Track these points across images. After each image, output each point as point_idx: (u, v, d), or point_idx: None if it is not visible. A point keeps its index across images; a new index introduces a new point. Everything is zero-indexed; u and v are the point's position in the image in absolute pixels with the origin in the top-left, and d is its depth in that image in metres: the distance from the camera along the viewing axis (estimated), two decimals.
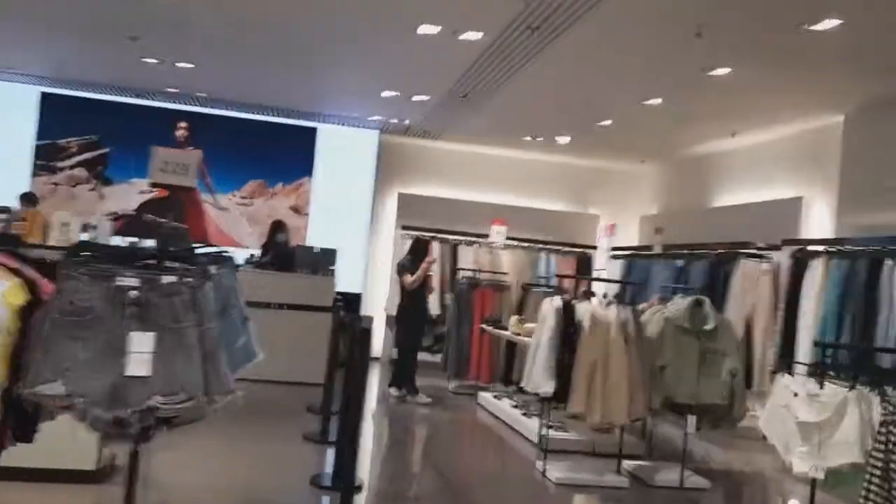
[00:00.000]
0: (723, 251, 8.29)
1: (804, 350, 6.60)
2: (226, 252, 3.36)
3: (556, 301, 5.60)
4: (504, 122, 9.66)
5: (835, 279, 6.40)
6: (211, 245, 4.16)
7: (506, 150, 11.30)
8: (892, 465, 2.99)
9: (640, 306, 5.87)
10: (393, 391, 8.24)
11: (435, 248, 10.71)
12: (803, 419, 3.45)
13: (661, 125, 8.79)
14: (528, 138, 10.35)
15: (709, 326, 5.41)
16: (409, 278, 8.13)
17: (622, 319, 5.39)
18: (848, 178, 7.25)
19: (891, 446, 3.02)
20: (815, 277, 6.67)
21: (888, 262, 5.89)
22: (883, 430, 3.06)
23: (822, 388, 3.48)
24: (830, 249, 6.59)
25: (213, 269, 2.77)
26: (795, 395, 3.57)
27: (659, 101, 7.65)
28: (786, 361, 6.77)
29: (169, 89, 9.84)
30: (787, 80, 6.67)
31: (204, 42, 7.55)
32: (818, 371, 3.62)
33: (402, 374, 8.29)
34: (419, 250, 8.49)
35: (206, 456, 5.24)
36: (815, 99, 7.20)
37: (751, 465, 6.66)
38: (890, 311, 5.79)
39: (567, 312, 5.49)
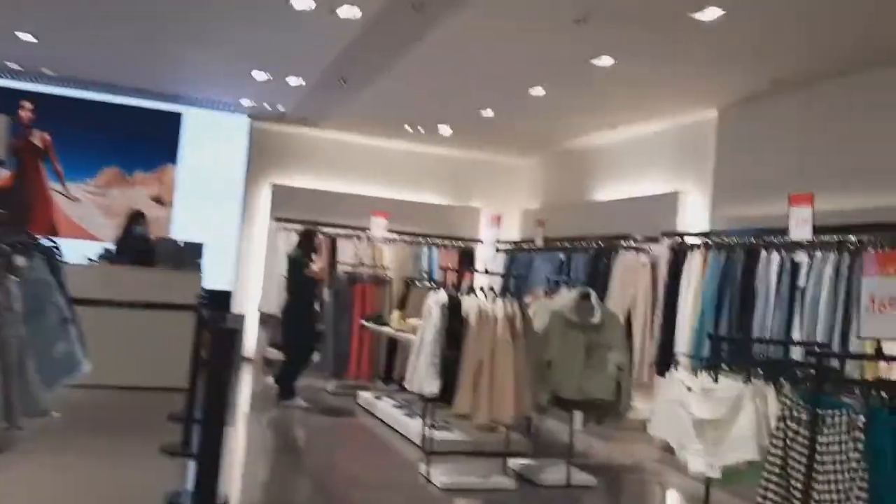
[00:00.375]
0: (603, 244, 8.31)
1: (684, 342, 6.64)
2: (46, 241, 2.79)
3: (442, 296, 5.31)
4: (385, 111, 9.29)
5: (713, 271, 6.46)
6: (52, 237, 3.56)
7: (387, 140, 10.93)
8: (791, 462, 2.87)
9: (528, 299, 5.68)
10: (297, 401, 7.66)
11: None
12: (698, 416, 3.31)
13: (543, 116, 8.69)
14: (410, 129, 10.03)
15: (595, 320, 5.28)
16: (315, 268, 7.70)
17: (509, 314, 5.16)
18: (721, 172, 7.37)
19: (788, 442, 2.89)
20: (694, 269, 6.72)
21: (764, 254, 5.98)
22: (781, 425, 2.94)
23: (716, 382, 3.34)
24: (708, 241, 6.67)
25: (20, 260, 2.25)
26: (689, 389, 3.43)
27: (542, 90, 7.52)
28: (666, 354, 6.85)
29: (10, 64, 8.82)
30: (668, 71, 6.68)
31: (46, 11, 6.74)
32: (712, 365, 3.50)
33: (286, 376, 7.75)
34: (309, 241, 8.01)
35: (44, 477, 4.58)
36: (692, 93, 7.27)
37: (634, 457, 6.64)
38: (766, 302, 5.87)
39: (452, 308, 5.21)
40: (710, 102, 7.46)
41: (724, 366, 3.45)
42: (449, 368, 5.11)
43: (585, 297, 5.36)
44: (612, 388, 5.22)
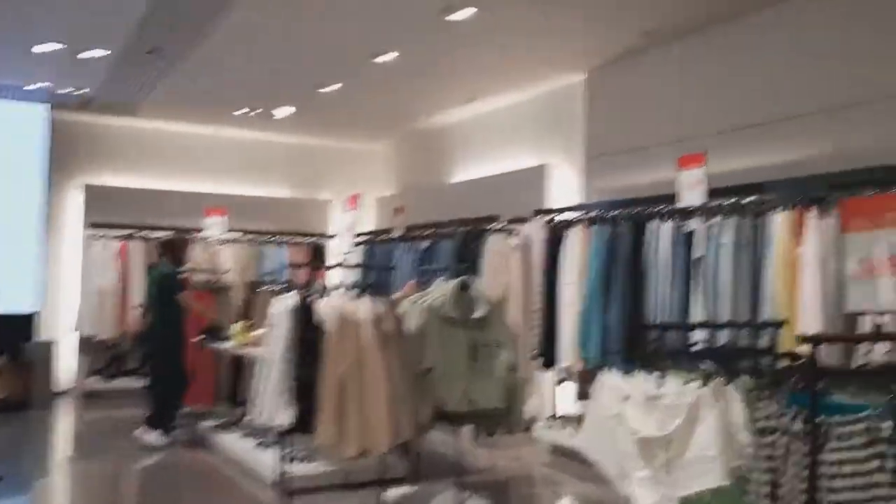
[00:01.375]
0: (469, 228, 7.52)
1: (568, 331, 5.95)
2: None
3: (290, 299, 4.26)
4: (211, 92, 7.99)
5: (596, 248, 5.79)
6: None
7: (218, 127, 9.59)
8: (784, 492, 2.10)
9: (396, 295, 4.74)
10: (153, 437, 6.23)
11: (137, 248, 8.77)
12: (643, 433, 2.50)
13: (395, 89, 7.73)
14: (244, 111, 8.76)
15: (479, 313, 4.42)
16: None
17: (376, 314, 4.20)
18: (593, 140, 6.76)
19: (777, 463, 2.13)
20: (574, 248, 6.04)
21: (653, 225, 5.37)
22: (767, 439, 2.17)
23: (663, 386, 2.55)
24: (588, 216, 6.01)
25: None
26: (627, 398, 2.61)
27: (393, 55, 6.57)
28: (550, 345, 6.13)
29: None
30: (531, 28, 5.93)
31: None
32: (651, 361, 2.70)
33: (162, 410, 6.32)
34: (177, 251, 6.67)
35: None
36: (557, 55, 6.59)
37: (527, 467, 5.88)
38: (660, 279, 5.26)
39: (304, 312, 4.18)
40: (576, 65, 6.82)
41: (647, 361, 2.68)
42: (305, 390, 4.08)
43: (465, 287, 4.49)
44: (504, 393, 4.39)
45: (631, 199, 5.73)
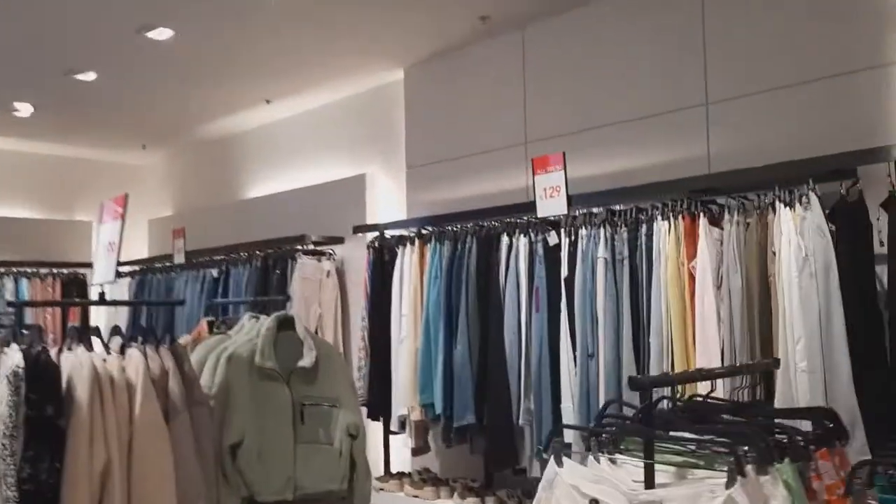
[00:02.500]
0: (272, 251, 6.25)
1: (403, 373, 4.90)
2: None
3: (13, 355, 2.77)
4: None
5: (434, 270, 4.80)
6: None
7: None
8: None
9: (182, 339, 3.38)
10: None
11: None
12: None
13: (170, 80, 6.24)
14: None
15: (305, 362, 3.20)
16: None
17: (155, 371, 2.85)
18: (414, 146, 5.78)
19: None
20: (407, 272, 5.01)
21: (505, 239, 4.48)
22: None
23: (649, 481, 1.55)
24: (422, 232, 5.01)
25: None
26: (595, 503, 1.58)
27: (166, 33, 5.13)
28: (381, 393, 5.04)
29: None
30: (335, 14, 4.85)
31: None
32: (613, 438, 1.70)
33: None
34: None
35: None
36: (371, 47, 5.55)
37: None
38: (513, 305, 4.36)
39: (37, 376, 2.71)
40: (395, 59, 5.82)
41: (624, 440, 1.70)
42: (39, 494, 2.62)
43: (286, 324, 3.27)
44: (344, 470, 3.20)
45: (476, 211, 4.81)
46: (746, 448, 1.50)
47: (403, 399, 4.83)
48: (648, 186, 3.97)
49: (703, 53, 4.15)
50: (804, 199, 3.31)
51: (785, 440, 1.65)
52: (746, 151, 3.87)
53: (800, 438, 1.68)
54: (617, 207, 4.03)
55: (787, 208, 3.34)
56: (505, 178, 5.01)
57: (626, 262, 3.89)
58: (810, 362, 3.19)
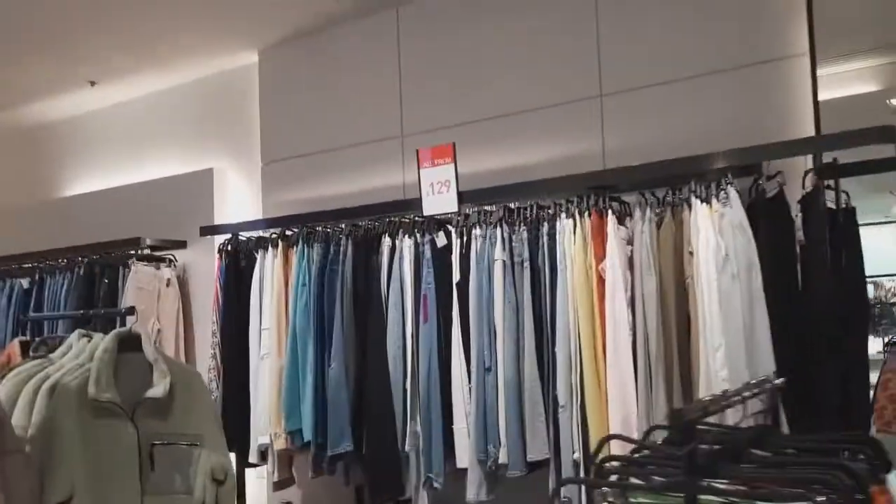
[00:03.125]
0: (98, 257, 5.36)
1: (264, 396, 4.24)
2: None
3: None
4: None
5: (303, 278, 4.19)
6: None
7: None
8: None
9: None
10: None
11: None
12: None
13: None
14: None
15: (157, 391, 2.52)
16: None
17: None
18: (271, 137, 5.15)
19: None
20: (268, 280, 4.36)
21: (387, 241, 3.96)
22: None
23: None
24: (287, 233, 4.39)
25: None
26: None
27: None
28: (240, 421, 4.34)
29: None
30: None
31: None
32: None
33: None
34: None
35: None
36: (220, 23, 4.86)
37: None
38: (397, 315, 3.85)
39: None
40: (248, 36, 5.13)
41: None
42: None
43: (129, 344, 2.57)
44: None
45: (348, 209, 4.26)
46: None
47: (265, 426, 4.17)
48: (548, 182, 3.61)
49: (597, 43, 3.89)
50: (722, 194, 3.07)
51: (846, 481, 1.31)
52: (645, 145, 3.63)
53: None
54: (514, 205, 3.64)
55: (704, 204, 3.10)
56: (378, 173, 4.52)
57: (526, 264, 3.51)
58: (732, 372, 2.95)
